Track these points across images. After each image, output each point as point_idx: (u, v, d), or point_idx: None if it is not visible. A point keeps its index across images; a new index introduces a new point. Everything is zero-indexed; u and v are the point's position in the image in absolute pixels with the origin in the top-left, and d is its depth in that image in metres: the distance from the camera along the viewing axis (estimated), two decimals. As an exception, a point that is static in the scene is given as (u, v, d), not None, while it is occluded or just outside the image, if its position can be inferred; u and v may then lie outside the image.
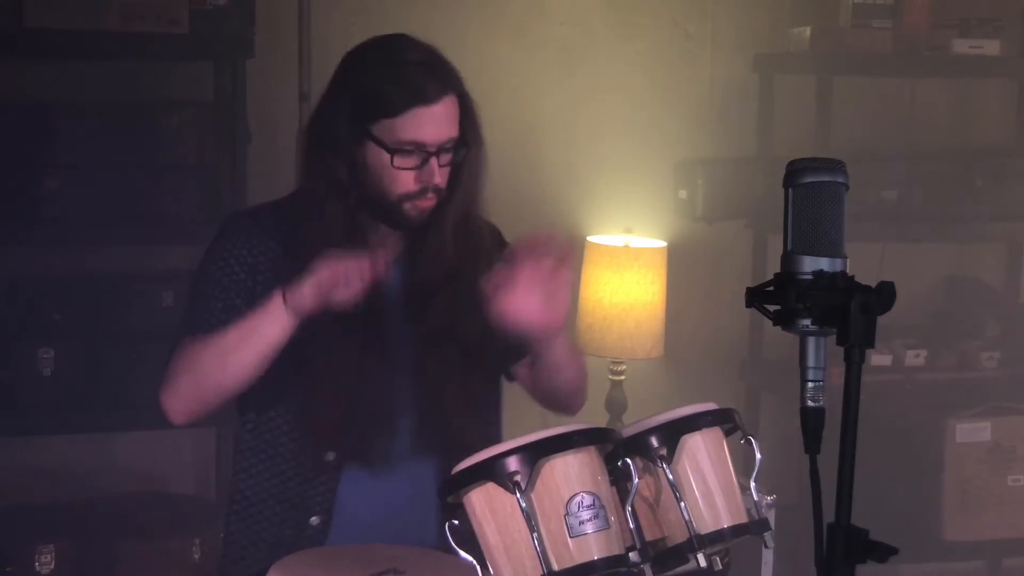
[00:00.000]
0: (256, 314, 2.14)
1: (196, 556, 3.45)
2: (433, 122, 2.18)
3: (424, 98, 2.16)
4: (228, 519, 2.35)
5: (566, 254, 2.15)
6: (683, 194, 4.11)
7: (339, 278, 2.06)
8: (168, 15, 3.41)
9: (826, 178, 1.56)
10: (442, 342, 2.25)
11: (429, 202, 2.21)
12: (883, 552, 1.50)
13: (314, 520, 2.25)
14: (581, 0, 4.11)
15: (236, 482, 2.31)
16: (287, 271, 2.19)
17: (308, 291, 2.07)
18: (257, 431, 2.28)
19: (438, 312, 2.25)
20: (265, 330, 2.12)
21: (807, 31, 4.05)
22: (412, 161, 2.18)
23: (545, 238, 2.13)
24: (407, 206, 2.21)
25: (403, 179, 2.19)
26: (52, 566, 3.39)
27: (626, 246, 3.93)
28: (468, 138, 2.25)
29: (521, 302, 2.11)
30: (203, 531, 3.47)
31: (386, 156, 2.17)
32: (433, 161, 2.19)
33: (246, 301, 2.21)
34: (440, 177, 2.20)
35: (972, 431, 4.08)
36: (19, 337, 3.48)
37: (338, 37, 3.79)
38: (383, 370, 2.22)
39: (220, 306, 2.22)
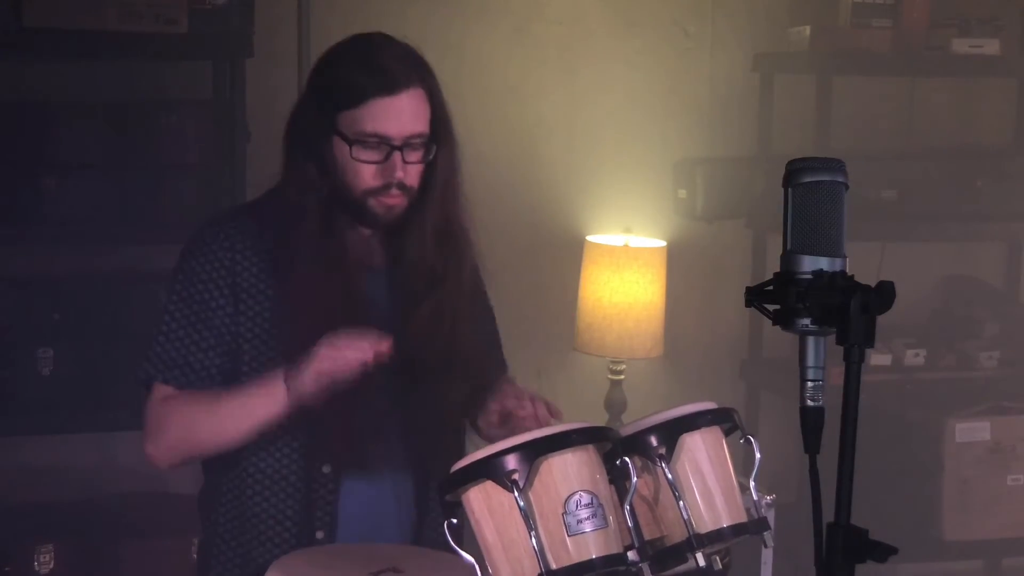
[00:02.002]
0: (254, 392, 2.12)
1: (195, 555, 3.43)
2: (396, 114, 2.13)
3: (387, 87, 2.12)
4: (221, 539, 2.31)
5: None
6: (682, 193, 4.11)
7: (340, 366, 2.05)
8: (167, 14, 3.40)
9: (826, 177, 1.56)
10: (424, 349, 2.22)
11: (396, 199, 2.17)
12: (882, 552, 1.50)
13: (319, 535, 2.24)
14: (580, 0, 4.11)
15: (244, 505, 2.26)
16: (270, 284, 2.19)
17: (309, 381, 2.06)
18: (265, 451, 2.24)
19: (420, 320, 2.22)
20: (261, 411, 2.11)
21: (807, 30, 4.05)
22: (374, 155, 2.14)
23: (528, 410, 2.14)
24: (372, 202, 2.17)
25: (364, 173, 2.14)
26: (51, 566, 3.39)
27: (625, 246, 3.92)
28: (439, 135, 2.19)
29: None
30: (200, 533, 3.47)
31: (347, 148, 2.13)
32: (397, 156, 2.14)
33: (229, 333, 2.19)
34: (405, 174, 2.15)
35: (972, 431, 4.08)
36: (18, 337, 3.47)
37: (338, 37, 3.76)
38: (369, 380, 2.18)
39: (203, 349, 2.19)
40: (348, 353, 2.05)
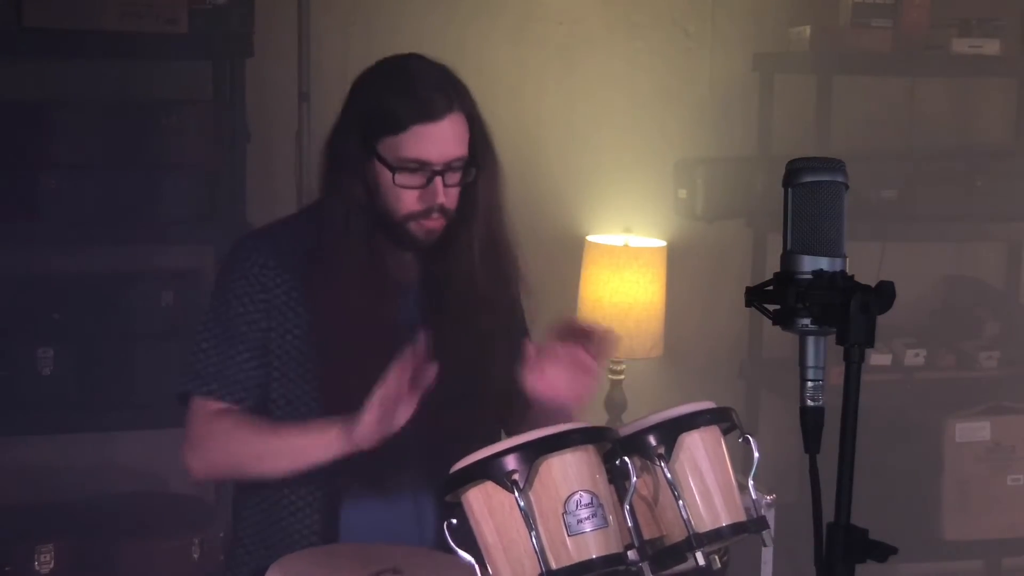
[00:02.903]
0: (308, 439, 2.13)
1: (195, 556, 3.44)
2: (438, 140, 2.14)
3: (428, 114, 2.13)
4: (251, 528, 2.32)
5: (603, 349, 2.17)
6: (683, 193, 4.11)
7: (397, 419, 2.04)
8: (167, 14, 3.40)
9: (826, 177, 1.57)
10: (456, 371, 2.20)
11: (435, 223, 2.19)
12: (882, 551, 1.50)
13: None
14: (581, 0, 4.11)
15: (271, 495, 2.27)
16: (303, 301, 2.19)
17: (371, 428, 2.05)
18: None
19: (465, 344, 2.22)
20: (316, 455, 2.12)
21: (807, 30, 4.05)
22: (415, 179, 2.15)
23: (587, 329, 2.16)
24: (412, 226, 2.19)
25: (406, 198, 2.16)
26: (51, 565, 3.39)
27: (625, 245, 3.92)
28: (479, 158, 2.21)
29: (549, 378, 2.15)
30: (202, 531, 3.47)
31: (389, 174, 2.15)
32: (438, 180, 2.15)
33: (263, 347, 2.21)
34: (446, 198, 2.17)
35: (971, 430, 4.08)
36: (18, 337, 3.48)
37: (337, 37, 3.80)
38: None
39: (238, 362, 2.21)
40: (398, 388, 2.04)
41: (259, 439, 2.18)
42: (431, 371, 2.04)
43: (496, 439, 2.25)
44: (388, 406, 2.04)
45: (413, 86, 2.15)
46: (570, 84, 4.11)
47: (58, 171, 3.45)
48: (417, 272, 2.27)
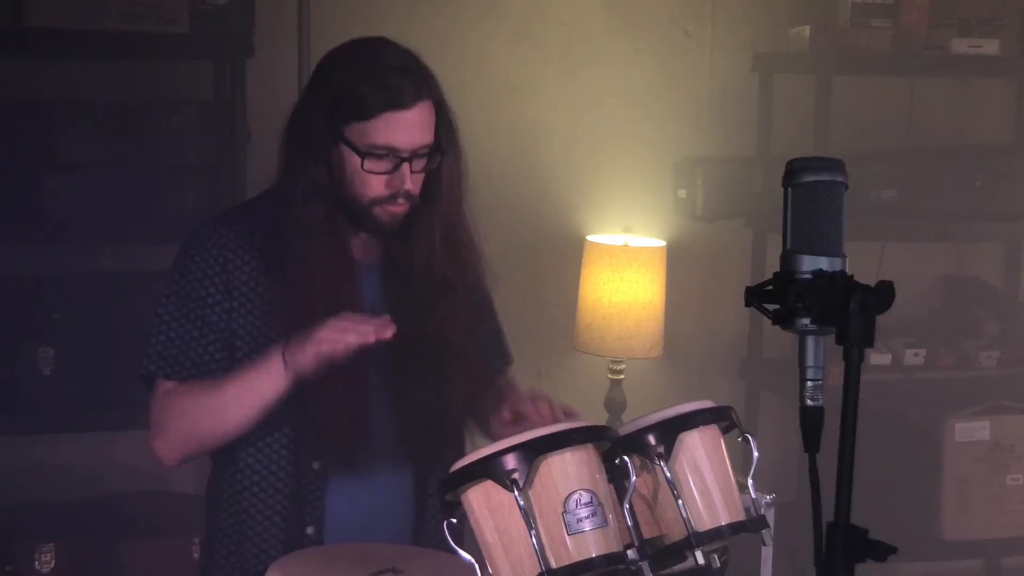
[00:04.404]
0: (253, 372, 2.14)
1: (196, 555, 3.45)
2: (407, 127, 2.16)
3: (398, 102, 2.15)
4: (222, 534, 2.33)
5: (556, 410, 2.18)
6: (682, 193, 4.11)
7: (341, 349, 2.05)
8: (168, 15, 3.40)
9: (825, 177, 1.57)
10: (421, 352, 2.23)
11: (400, 207, 2.21)
12: (882, 551, 1.51)
13: (310, 530, 2.25)
14: (581, 0, 4.12)
15: (238, 501, 2.29)
16: (264, 283, 2.20)
17: (309, 360, 2.07)
18: (255, 447, 2.26)
19: (424, 322, 2.24)
20: (263, 389, 2.13)
21: (806, 30, 4.05)
22: (383, 165, 2.17)
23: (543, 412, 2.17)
24: (378, 210, 2.20)
25: (373, 183, 2.18)
26: (52, 565, 3.39)
27: (625, 245, 3.93)
28: (444, 145, 2.23)
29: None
30: (203, 530, 3.47)
31: (357, 159, 2.16)
32: (405, 167, 2.18)
33: (225, 328, 2.22)
34: (412, 183, 2.19)
35: (971, 430, 4.08)
36: (19, 336, 3.48)
37: (338, 37, 3.75)
38: (361, 376, 2.20)
39: (201, 344, 2.22)
40: (351, 337, 2.06)
41: (211, 392, 2.18)
42: (388, 328, 2.05)
43: (461, 418, 2.29)
44: (333, 348, 2.05)
45: (383, 72, 2.16)
46: (570, 84, 4.11)
47: (59, 171, 3.46)
48: (378, 254, 2.29)
